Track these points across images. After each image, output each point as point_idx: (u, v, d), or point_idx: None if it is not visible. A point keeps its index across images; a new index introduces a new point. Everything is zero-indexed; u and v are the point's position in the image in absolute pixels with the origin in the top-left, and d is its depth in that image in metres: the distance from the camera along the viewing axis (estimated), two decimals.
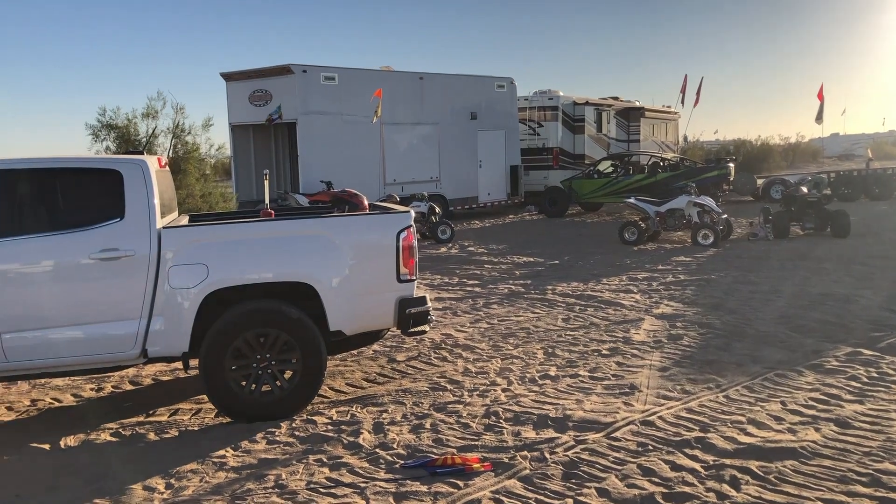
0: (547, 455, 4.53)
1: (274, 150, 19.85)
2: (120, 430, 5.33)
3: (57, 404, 6.05)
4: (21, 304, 5.01)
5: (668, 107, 28.58)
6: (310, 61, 18.09)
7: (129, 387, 6.48)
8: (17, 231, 5.05)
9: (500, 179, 21.90)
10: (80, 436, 5.24)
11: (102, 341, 5.14)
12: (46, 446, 5.07)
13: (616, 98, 25.52)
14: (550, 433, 4.89)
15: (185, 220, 6.39)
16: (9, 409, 5.97)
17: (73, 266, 5.09)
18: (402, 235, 5.55)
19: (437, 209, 16.52)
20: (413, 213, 5.79)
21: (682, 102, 26.69)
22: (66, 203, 5.32)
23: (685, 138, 33.65)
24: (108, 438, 5.18)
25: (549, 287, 10.24)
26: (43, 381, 6.48)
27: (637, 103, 25.99)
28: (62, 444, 5.09)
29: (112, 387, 6.45)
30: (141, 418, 5.60)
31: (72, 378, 6.49)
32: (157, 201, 5.32)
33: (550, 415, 5.21)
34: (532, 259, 12.98)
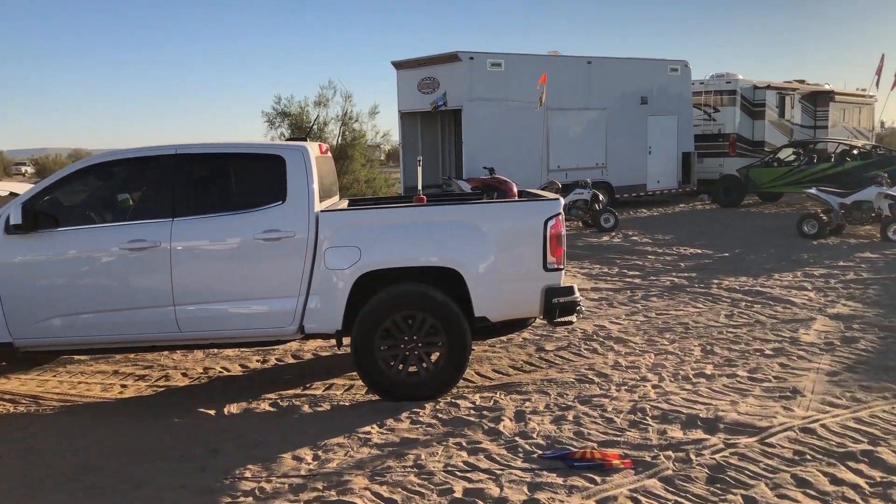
0: (693, 457, 4.32)
1: (440, 136, 20.21)
2: (278, 400, 5.65)
3: (225, 373, 6.52)
4: (194, 279, 5.42)
5: (863, 90, 26.25)
6: (477, 48, 18.23)
7: (291, 360, 6.85)
8: (192, 211, 5.46)
9: (670, 166, 21.05)
10: (243, 404, 5.61)
11: (265, 316, 5.47)
12: (212, 412, 5.47)
13: (802, 81, 23.76)
14: (699, 434, 4.66)
15: (344, 204, 6.65)
16: (184, 374, 6.50)
17: (240, 245, 5.44)
18: (550, 223, 5.47)
19: (601, 196, 16.14)
20: (562, 202, 5.68)
21: (878, 85, 24.45)
22: (235, 186, 5.69)
23: (882, 124, 30.81)
24: (267, 408, 5.51)
25: (715, 281, 9.74)
26: (216, 350, 6.99)
27: (826, 87, 24.07)
28: (226, 410, 5.48)
29: (276, 359, 6.86)
30: (298, 391, 5.91)
31: (241, 349, 6.95)
32: (315, 186, 5.56)
33: (701, 415, 4.96)
34: (700, 251, 12.40)
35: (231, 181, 5.70)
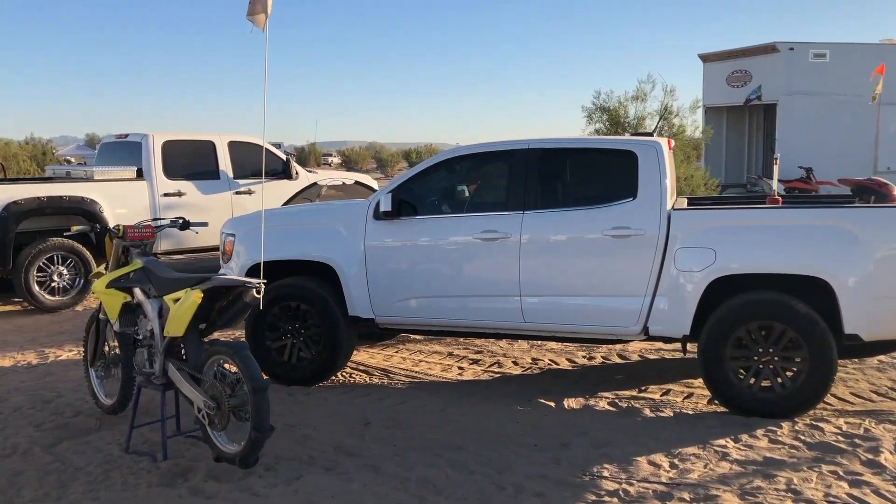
0: None
1: (747, 133, 18.98)
2: (616, 400, 5.56)
3: (555, 366, 6.57)
4: (541, 272, 5.50)
5: None
6: (799, 38, 16.78)
7: (617, 360, 6.75)
8: (542, 205, 5.54)
9: None
10: (580, 399, 5.60)
11: (608, 314, 5.40)
12: (551, 403, 5.52)
13: None
14: None
15: (684, 202, 6.38)
16: (514, 363, 6.67)
17: (588, 241, 5.42)
18: None
19: None
20: None
21: None
22: (585, 181, 5.69)
23: None
24: (606, 407, 5.45)
25: None
26: (540, 342, 7.09)
27: None
28: (566, 404, 5.50)
29: (602, 357, 6.80)
30: (634, 392, 5.78)
31: (564, 343, 6.98)
32: (668, 183, 5.38)
33: None
34: None
35: (581, 176, 5.71)
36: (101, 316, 5.13)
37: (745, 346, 5.11)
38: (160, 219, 5.24)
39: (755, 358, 5.10)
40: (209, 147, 10.63)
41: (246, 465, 4.18)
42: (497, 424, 5.07)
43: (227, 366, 4.29)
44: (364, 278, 5.89)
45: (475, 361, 6.73)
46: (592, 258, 5.42)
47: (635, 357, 6.80)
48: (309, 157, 51.33)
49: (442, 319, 5.80)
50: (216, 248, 10.29)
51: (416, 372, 6.43)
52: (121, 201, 9.66)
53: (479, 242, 5.61)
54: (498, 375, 6.31)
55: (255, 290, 4.23)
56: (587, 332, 5.55)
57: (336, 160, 66.38)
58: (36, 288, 8.97)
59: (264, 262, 6.09)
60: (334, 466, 4.39)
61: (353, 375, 6.33)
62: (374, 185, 11.77)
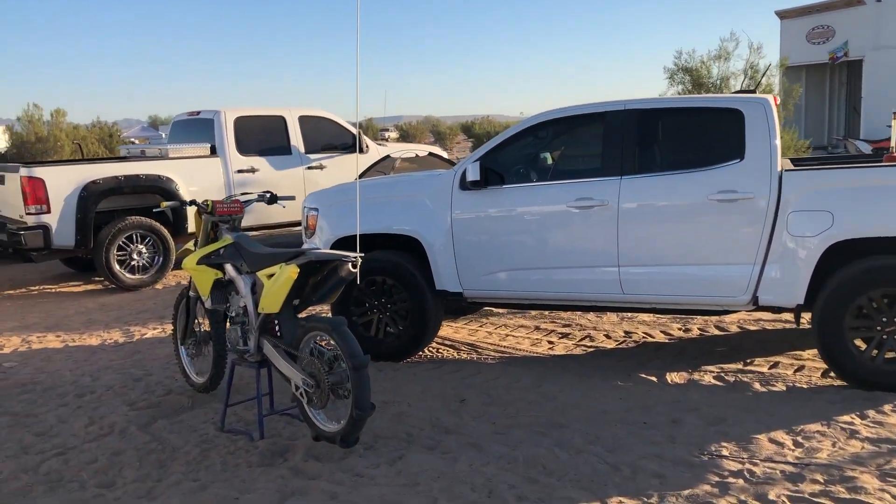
0: None
1: (828, 92, 18.13)
2: (722, 374, 5.27)
3: (650, 339, 6.29)
4: (641, 240, 5.21)
5: None
6: None
7: (715, 331, 6.43)
8: (641, 169, 5.24)
9: None
10: (683, 374, 5.32)
11: (713, 283, 5.10)
12: (653, 378, 5.26)
13: None
14: None
15: (788, 164, 5.99)
16: (607, 336, 6.40)
17: (691, 206, 5.10)
18: None
19: None
20: None
21: None
22: (687, 142, 5.36)
23: None
24: (712, 381, 5.16)
25: None
26: (630, 314, 6.81)
27: None
28: (668, 378, 5.23)
29: (698, 329, 6.48)
30: (739, 365, 5.47)
31: (657, 315, 6.69)
32: (778, 142, 5.02)
33: None
34: None
35: (683, 137, 5.37)
36: (190, 293, 5.05)
37: (866, 315, 4.76)
38: (248, 193, 5.12)
39: (878, 328, 4.74)
40: (280, 122, 10.54)
41: (347, 444, 4.04)
42: (599, 401, 4.83)
43: (323, 342, 4.16)
44: (451, 251, 5.69)
45: (565, 335, 6.49)
46: (696, 224, 5.11)
47: (734, 328, 6.47)
48: (367, 132, 51.21)
49: (533, 292, 5.57)
50: (292, 224, 10.28)
51: (504, 347, 6.22)
52: (195, 178, 9.66)
53: (574, 211, 5.34)
54: (591, 350, 6.06)
55: (351, 264, 4.06)
56: (691, 303, 5.25)
57: (393, 135, 66.18)
58: (116, 266, 9.05)
59: (347, 237, 5.99)
60: (435, 445, 4.23)
61: (441, 351, 6.16)
62: (446, 156, 11.55)
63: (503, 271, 5.61)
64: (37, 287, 9.69)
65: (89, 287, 9.59)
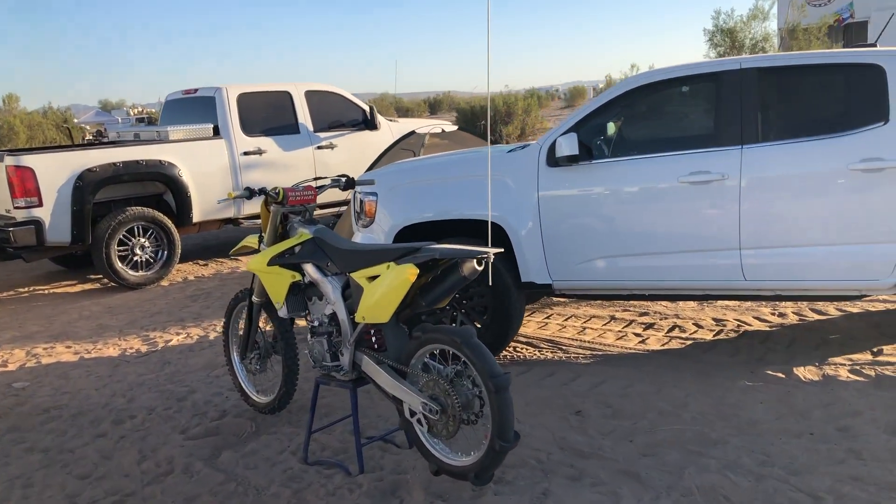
0: None
1: None
2: (857, 367, 4.64)
3: (746, 327, 5.65)
4: (767, 219, 4.55)
5: None
6: None
7: (813, 315, 5.81)
8: (765, 137, 4.56)
9: None
10: (812, 368, 4.69)
11: (852, 266, 4.46)
12: (781, 374, 4.63)
13: None
14: None
15: None
16: (697, 325, 5.75)
17: (827, 178, 4.44)
18: None
19: None
20: None
21: None
22: (818, 104, 4.67)
23: None
24: (849, 376, 4.54)
25: None
26: (709, 301, 6.16)
27: None
28: (799, 375, 4.60)
29: (793, 313, 5.86)
30: (867, 356, 4.85)
31: (740, 301, 6.05)
32: None
33: None
34: None
35: (812, 99, 4.68)
36: (254, 299, 4.26)
37: None
38: (321, 178, 4.33)
39: None
40: (286, 98, 9.67)
41: (483, 481, 3.32)
42: (739, 407, 4.18)
43: (437, 356, 3.43)
44: (539, 237, 4.97)
45: (649, 326, 5.82)
46: (834, 199, 4.44)
47: (832, 310, 5.86)
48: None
49: (637, 281, 4.88)
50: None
51: (588, 342, 5.53)
52: (199, 162, 8.78)
53: (686, 187, 4.65)
54: (690, 343, 5.40)
55: (476, 260, 3.32)
56: (824, 288, 4.61)
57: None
58: (118, 263, 8.15)
59: (409, 226, 5.24)
60: (579, 475, 3.53)
61: (519, 350, 5.45)
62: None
63: (601, 259, 4.91)
64: (26, 288, 8.74)
65: (87, 287, 8.67)
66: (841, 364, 4.73)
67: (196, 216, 8.79)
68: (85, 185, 7.90)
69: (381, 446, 3.95)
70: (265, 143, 9.32)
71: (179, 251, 8.62)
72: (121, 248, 8.21)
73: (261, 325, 4.38)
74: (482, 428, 3.29)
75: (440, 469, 3.47)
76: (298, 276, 3.88)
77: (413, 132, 8.69)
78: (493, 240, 5.18)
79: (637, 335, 5.64)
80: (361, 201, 5.43)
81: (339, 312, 3.69)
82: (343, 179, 4.19)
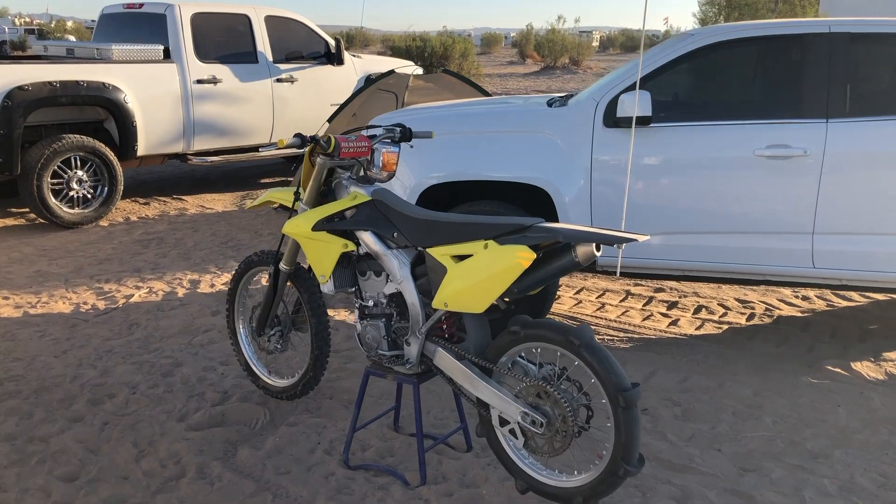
0: None
1: None
2: None
3: (776, 311, 5.31)
4: (847, 202, 4.13)
5: None
6: None
7: (839, 301, 5.53)
8: (853, 111, 4.12)
9: None
10: (868, 363, 4.38)
11: None
12: (840, 370, 4.29)
13: None
14: None
15: None
16: (723, 307, 5.37)
17: None
18: None
19: None
20: None
21: None
22: None
23: None
24: None
25: None
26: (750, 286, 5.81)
27: None
28: (862, 372, 4.27)
29: (818, 298, 5.57)
30: None
31: (769, 287, 5.72)
32: None
33: None
34: None
35: None
36: (282, 266, 3.54)
37: None
38: (374, 126, 3.60)
39: None
40: (244, 22, 8.65)
41: None
42: (817, 409, 3.80)
43: (534, 356, 2.86)
44: (588, 207, 4.42)
45: (672, 304, 5.41)
46: None
47: (857, 298, 5.60)
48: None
49: (694, 262, 4.41)
50: (256, 149, 8.59)
51: (616, 322, 5.07)
52: (147, 88, 7.73)
53: (762, 161, 4.18)
54: (726, 327, 5.01)
55: (595, 245, 2.72)
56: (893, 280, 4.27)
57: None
58: (51, 198, 7.10)
59: (436, 185, 4.59)
60: (682, 495, 3.05)
61: None
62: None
63: (657, 235, 4.40)
64: None
65: (9, 222, 7.57)
66: (892, 359, 4.44)
67: (141, 149, 7.77)
68: (15, 105, 6.78)
69: (435, 449, 3.37)
70: (220, 70, 8.31)
71: (122, 188, 7.62)
72: (54, 181, 7.15)
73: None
74: (585, 441, 2.75)
75: (530, 487, 2.92)
76: (352, 246, 3.19)
77: (392, 71, 7.91)
78: (526, 205, 4.61)
79: (664, 315, 5.21)
80: (378, 151, 4.70)
81: (408, 295, 3.04)
82: (398, 130, 3.49)
